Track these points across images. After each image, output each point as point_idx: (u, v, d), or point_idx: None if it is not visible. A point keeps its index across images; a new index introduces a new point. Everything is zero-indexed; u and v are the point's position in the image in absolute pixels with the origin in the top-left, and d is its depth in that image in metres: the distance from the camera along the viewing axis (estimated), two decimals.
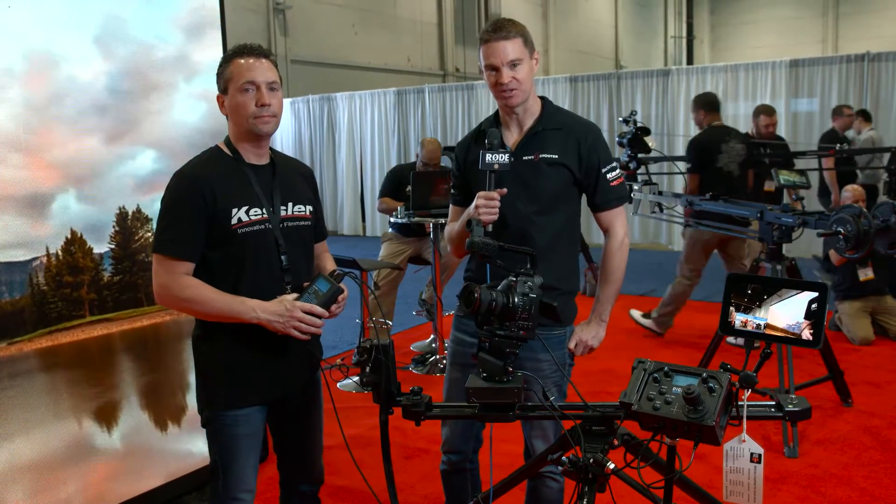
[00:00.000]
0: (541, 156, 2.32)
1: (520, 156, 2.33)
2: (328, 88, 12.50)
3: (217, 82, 2.15)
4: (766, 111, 6.09)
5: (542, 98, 2.44)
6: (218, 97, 2.16)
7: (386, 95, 11.84)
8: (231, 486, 2.19)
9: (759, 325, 1.60)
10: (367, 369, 1.87)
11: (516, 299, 1.73)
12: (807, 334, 1.55)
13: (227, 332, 2.13)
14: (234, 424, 2.16)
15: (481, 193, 2.17)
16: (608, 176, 2.37)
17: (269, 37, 13.01)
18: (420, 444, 3.77)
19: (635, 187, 4.99)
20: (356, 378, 4.47)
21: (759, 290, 1.61)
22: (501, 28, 2.26)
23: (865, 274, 5.42)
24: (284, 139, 12.40)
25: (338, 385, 4.76)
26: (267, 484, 3.16)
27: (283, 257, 2.14)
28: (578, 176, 2.36)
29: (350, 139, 12.22)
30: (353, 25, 14.62)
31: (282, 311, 2.04)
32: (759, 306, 1.60)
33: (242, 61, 2.10)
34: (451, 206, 2.56)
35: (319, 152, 12.57)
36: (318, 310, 2.07)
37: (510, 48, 2.25)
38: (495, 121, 2.43)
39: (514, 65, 2.26)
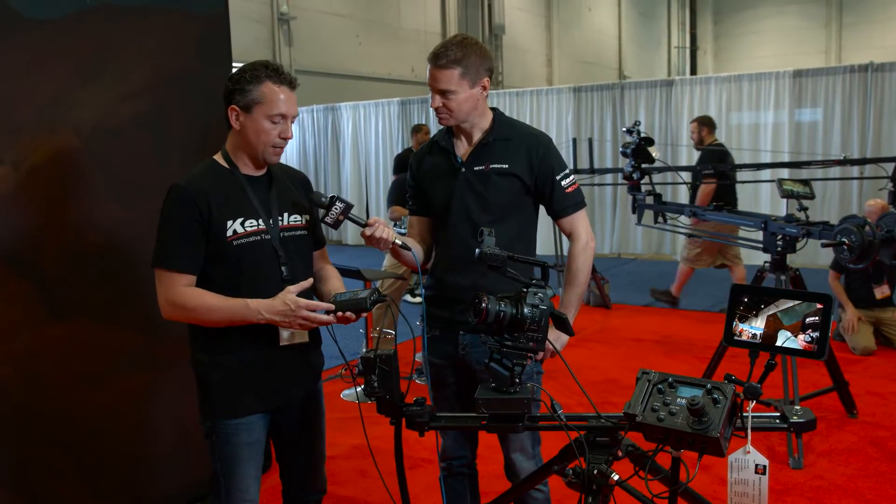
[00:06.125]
0: (491, 166, 2.36)
1: (471, 166, 2.37)
2: (332, 98, 12.54)
3: (235, 94, 2.08)
4: (708, 123, 6.80)
5: (494, 109, 2.46)
6: (232, 108, 2.10)
7: (390, 105, 11.87)
8: (233, 496, 2.18)
9: (754, 335, 1.60)
10: (375, 384, 1.86)
11: (526, 310, 1.73)
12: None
13: (223, 342, 2.13)
14: (235, 433, 2.16)
15: (362, 233, 2.21)
16: (563, 183, 2.39)
17: (273, 47, 13.06)
18: (423, 454, 3.76)
19: (639, 197, 4.99)
20: (354, 390, 4.46)
21: (757, 300, 1.61)
22: (441, 56, 2.27)
23: (882, 291, 5.41)
24: (288, 149, 12.34)
25: (341, 395, 4.75)
26: (270, 494, 3.15)
27: (283, 268, 2.14)
28: (530, 185, 2.38)
29: (354, 149, 12.25)
30: (357, 36, 14.67)
31: (286, 311, 2.03)
32: (756, 315, 1.61)
33: (279, 90, 2.08)
34: (409, 216, 2.60)
35: (324, 162, 12.61)
36: (323, 305, 2.06)
37: (442, 78, 2.28)
38: (448, 133, 2.46)
39: (444, 93, 2.29)
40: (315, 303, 2.06)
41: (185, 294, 2.06)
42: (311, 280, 2.14)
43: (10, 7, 2.55)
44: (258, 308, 2.04)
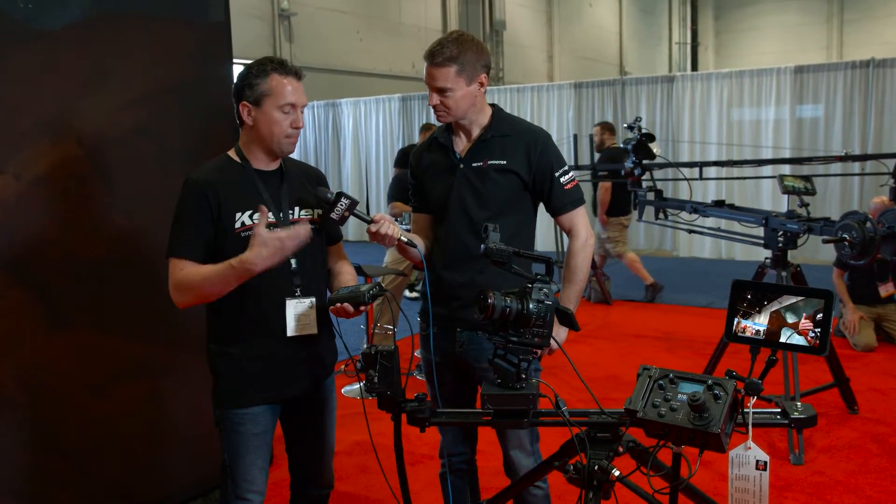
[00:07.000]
0: (489, 162, 2.34)
1: (469, 163, 2.36)
2: (333, 95, 12.54)
3: (243, 91, 2.12)
4: (610, 128, 7.41)
5: (493, 105, 2.44)
6: (243, 104, 2.14)
7: (391, 101, 11.87)
8: (239, 486, 2.20)
9: (758, 332, 1.60)
10: (376, 380, 1.86)
11: (531, 306, 1.73)
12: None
13: (232, 333, 2.16)
14: (241, 423, 2.18)
15: (367, 229, 2.19)
16: (561, 180, 2.37)
17: (274, 43, 13.04)
18: (424, 450, 3.77)
19: (640, 193, 4.99)
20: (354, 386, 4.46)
21: (759, 296, 1.61)
22: (437, 54, 2.26)
23: (887, 289, 5.41)
24: None
25: (342, 391, 4.75)
26: (275, 488, 3.16)
27: (291, 260, 2.15)
28: (528, 182, 2.36)
29: (355, 145, 12.26)
30: (357, 32, 14.65)
31: (275, 251, 1.97)
32: (759, 312, 1.60)
33: (286, 81, 2.11)
34: (412, 213, 2.59)
35: (324, 158, 12.62)
36: (293, 230, 2.00)
37: (439, 76, 2.26)
38: (447, 129, 2.44)
39: (441, 91, 2.27)
40: (286, 231, 2.00)
41: (182, 274, 2.09)
42: (265, 210, 2.06)
43: (13, 18, 2.54)
44: (244, 267, 1.97)
